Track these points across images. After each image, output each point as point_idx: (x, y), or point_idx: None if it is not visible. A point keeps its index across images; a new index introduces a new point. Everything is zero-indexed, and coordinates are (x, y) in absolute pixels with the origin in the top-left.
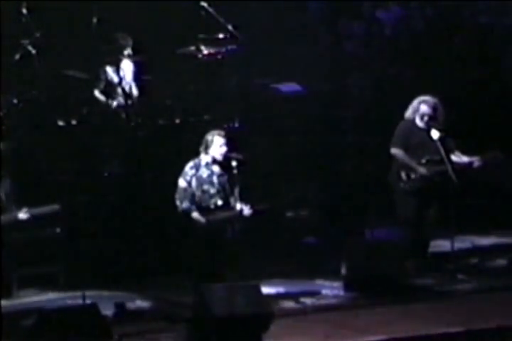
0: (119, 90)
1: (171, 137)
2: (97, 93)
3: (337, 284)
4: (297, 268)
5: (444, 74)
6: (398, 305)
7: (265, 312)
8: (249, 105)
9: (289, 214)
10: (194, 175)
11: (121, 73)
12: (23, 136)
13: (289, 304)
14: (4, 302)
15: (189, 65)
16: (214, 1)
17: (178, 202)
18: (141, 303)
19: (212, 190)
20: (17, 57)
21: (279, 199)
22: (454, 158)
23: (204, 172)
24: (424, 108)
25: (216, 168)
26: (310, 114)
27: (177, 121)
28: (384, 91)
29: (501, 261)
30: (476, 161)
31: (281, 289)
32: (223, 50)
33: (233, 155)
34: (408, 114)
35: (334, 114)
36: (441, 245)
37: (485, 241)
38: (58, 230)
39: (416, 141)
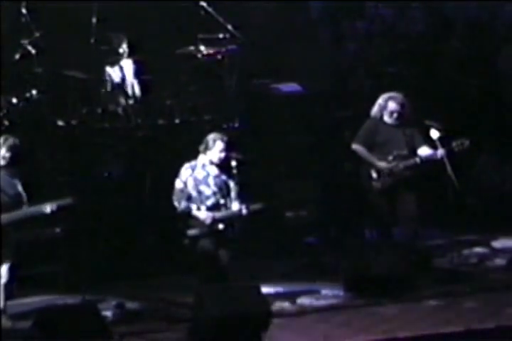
0: (119, 90)
1: (171, 137)
2: (108, 92)
3: (337, 284)
4: (297, 268)
5: (443, 73)
6: (398, 305)
7: (264, 312)
8: (249, 105)
9: (289, 214)
10: (190, 175)
11: (122, 73)
12: (22, 136)
13: (289, 304)
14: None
15: (189, 65)
16: (214, 0)
17: (176, 203)
18: (140, 303)
19: (208, 191)
20: (17, 57)
21: (279, 199)
22: (420, 152)
23: (200, 173)
24: (392, 105)
25: (212, 169)
26: (310, 114)
27: (177, 121)
28: (384, 90)
29: (500, 261)
30: (439, 151)
31: (280, 289)
32: (223, 50)
33: (233, 155)
34: (374, 111)
35: (334, 114)
36: (438, 244)
37: (484, 240)
38: (58, 230)
39: (383, 138)
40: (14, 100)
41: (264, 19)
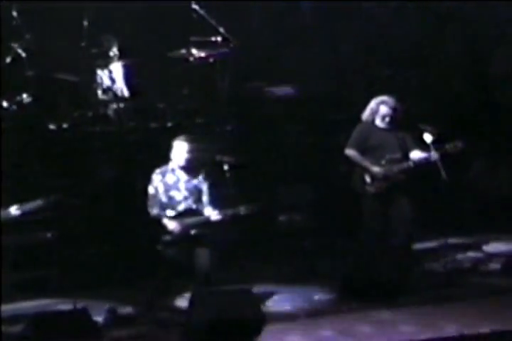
0: (111, 93)
1: (163, 140)
2: (100, 95)
3: (332, 288)
4: (291, 272)
5: (438, 76)
6: (392, 310)
7: (258, 317)
8: (242, 108)
9: (282, 218)
10: (160, 181)
11: (112, 76)
12: (14, 140)
13: (283, 309)
14: None
15: (181, 68)
16: (206, 1)
17: (149, 209)
18: (133, 308)
19: (179, 196)
20: (8, 60)
21: (272, 203)
22: (412, 155)
23: (170, 178)
24: (384, 109)
25: (182, 174)
26: (304, 117)
27: (169, 124)
28: (379, 93)
29: (497, 265)
30: (433, 154)
31: (273, 294)
32: (215, 53)
33: (225, 158)
34: (366, 115)
35: (329, 117)
36: (432, 247)
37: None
38: (49, 235)
39: (375, 142)
40: (5, 104)
41: (257, 21)
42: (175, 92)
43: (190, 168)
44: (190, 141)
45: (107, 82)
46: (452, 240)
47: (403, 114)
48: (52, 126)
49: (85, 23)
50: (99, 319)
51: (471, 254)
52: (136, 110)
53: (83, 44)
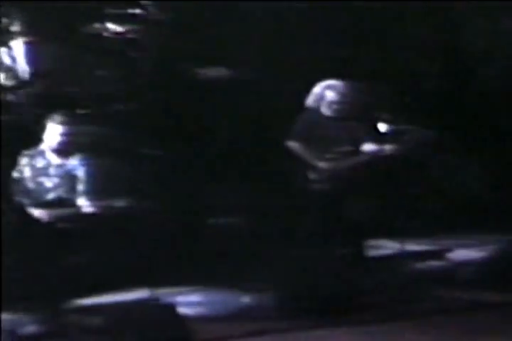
0: (10, 75)
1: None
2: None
3: (268, 303)
4: (220, 284)
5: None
6: (340, 329)
7: (182, 338)
8: (168, 94)
9: (211, 221)
10: (27, 164)
11: (12, 54)
12: None
13: (213, 327)
14: None
15: (94, 46)
16: None
17: (12, 196)
18: (36, 327)
19: (49, 183)
20: None
21: (200, 203)
22: (365, 148)
23: (39, 162)
24: (331, 94)
25: (54, 158)
26: (241, 104)
27: (81, 111)
28: (329, 76)
29: (463, 276)
30: (388, 146)
31: (201, 309)
32: (135, 27)
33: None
34: (310, 102)
35: (269, 104)
36: (387, 255)
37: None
38: None
39: (322, 133)
40: None
41: None
42: (87, 74)
43: (64, 152)
44: (64, 123)
45: (6, 62)
46: (410, 246)
47: (355, 101)
48: None
49: None
50: None
51: (432, 263)
52: (41, 95)
53: None
